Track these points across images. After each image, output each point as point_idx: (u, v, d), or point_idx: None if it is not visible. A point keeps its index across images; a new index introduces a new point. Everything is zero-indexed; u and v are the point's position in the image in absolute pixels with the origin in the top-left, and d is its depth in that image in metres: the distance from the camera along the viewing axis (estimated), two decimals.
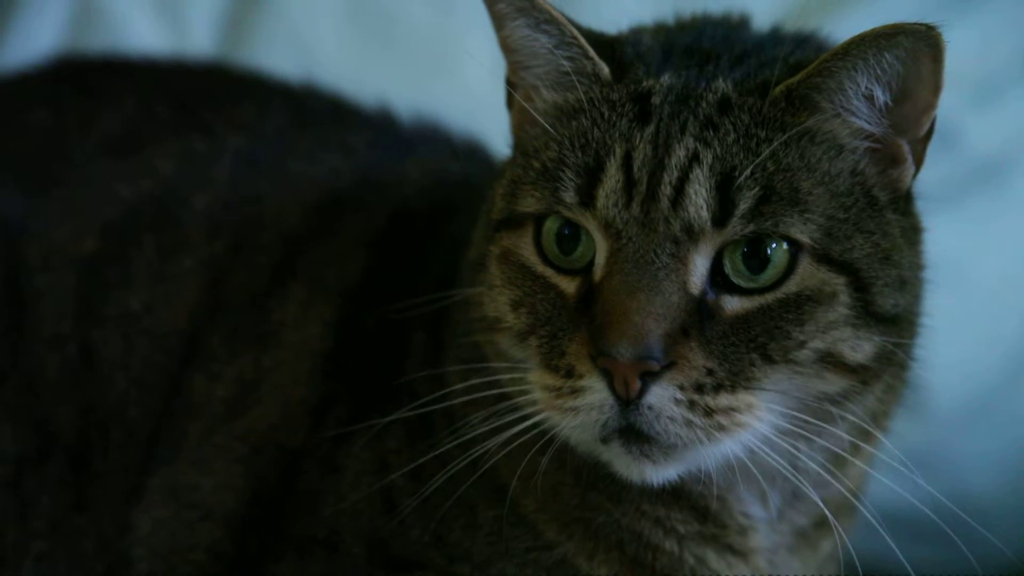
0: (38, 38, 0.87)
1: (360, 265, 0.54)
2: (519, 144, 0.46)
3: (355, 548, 0.49)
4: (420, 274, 0.52)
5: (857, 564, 0.48)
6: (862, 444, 0.46)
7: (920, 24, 0.39)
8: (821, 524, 0.48)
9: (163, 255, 0.55)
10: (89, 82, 0.65)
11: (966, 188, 0.82)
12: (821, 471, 0.44)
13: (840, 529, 0.47)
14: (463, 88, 0.70)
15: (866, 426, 0.44)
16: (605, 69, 0.43)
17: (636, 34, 0.47)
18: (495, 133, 0.51)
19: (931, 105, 0.41)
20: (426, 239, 0.54)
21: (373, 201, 0.57)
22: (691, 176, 0.39)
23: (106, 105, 0.62)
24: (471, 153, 0.61)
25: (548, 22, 0.43)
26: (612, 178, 0.40)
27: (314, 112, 0.64)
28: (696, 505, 0.46)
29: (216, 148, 0.59)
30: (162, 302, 0.54)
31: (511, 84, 0.46)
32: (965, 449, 0.78)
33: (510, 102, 0.46)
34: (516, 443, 0.42)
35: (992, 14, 0.91)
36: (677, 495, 0.45)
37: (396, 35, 0.87)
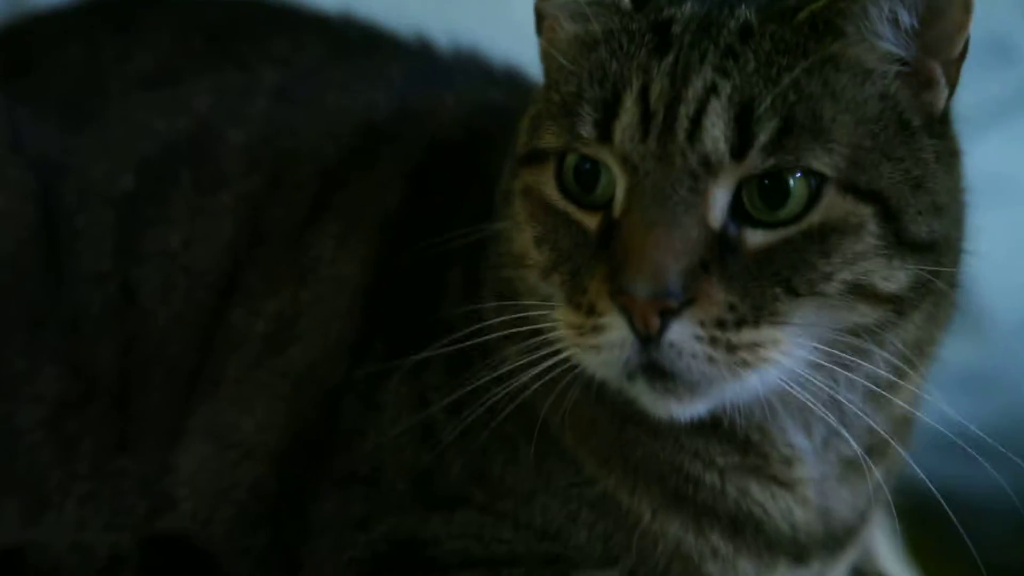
0: None
1: (397, 198, 0.54)
2: (546, 76, 0.46)
3: (397, 484, 0.49)
4: (457, 207, 0.52)
5: (928, 482, 0.46)
6: (907, 373, 0.45)
7: None
8: (871, 451, 0.47)
9: (200, 191, 0.55)
10: (124, 17, 0.64)
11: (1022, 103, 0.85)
12: (860, 405, 0.44)
13: (877, 464, 0.47)
14: (509, 21, 0.66)
15: (909, 355, 0.44)
16: (627, 1, 0.43)
17: None
18: (539, 66, 0.49)
19: (962, 25, 0.41)
20: (464, 170, 0.54)
21: (410, 132, 0.56)
22: (708, 108, 0.39)
23: (141, 40, 0.62)
24: (511, 81, 0.60)
25: None
26: (629, 112, 0.40)
27: (350, 43, 0.63)
28: (735, 437, 0.45)
29: (252, 82, 0.59)
30: (201, 238, 0.55)
31: (538, 11, 0.46)
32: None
33: (539, 28, 0.46)
34: (549, 376, 0.42)
35: None
36: (715, 427, 0.45)
37: None
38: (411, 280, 0.52)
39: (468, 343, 0.45)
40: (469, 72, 0.62)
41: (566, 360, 0.41)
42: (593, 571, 0.48)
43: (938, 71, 0.42)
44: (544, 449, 0.47)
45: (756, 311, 0.39)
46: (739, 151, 0.38)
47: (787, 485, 0.47)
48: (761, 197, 0.39)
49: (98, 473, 0.54)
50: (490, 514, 0.49)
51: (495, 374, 0.43)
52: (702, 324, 0.37)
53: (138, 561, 0.53)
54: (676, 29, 0.41)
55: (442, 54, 0.63)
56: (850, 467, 0.48)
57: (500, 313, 0.44)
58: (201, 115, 0.57)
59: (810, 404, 0.41)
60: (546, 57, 0.46)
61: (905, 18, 0.41)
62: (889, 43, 0.42)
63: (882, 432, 0.45)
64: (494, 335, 0.44)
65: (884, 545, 0.58)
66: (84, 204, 0.56)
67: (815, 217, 0.39)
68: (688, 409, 0.41)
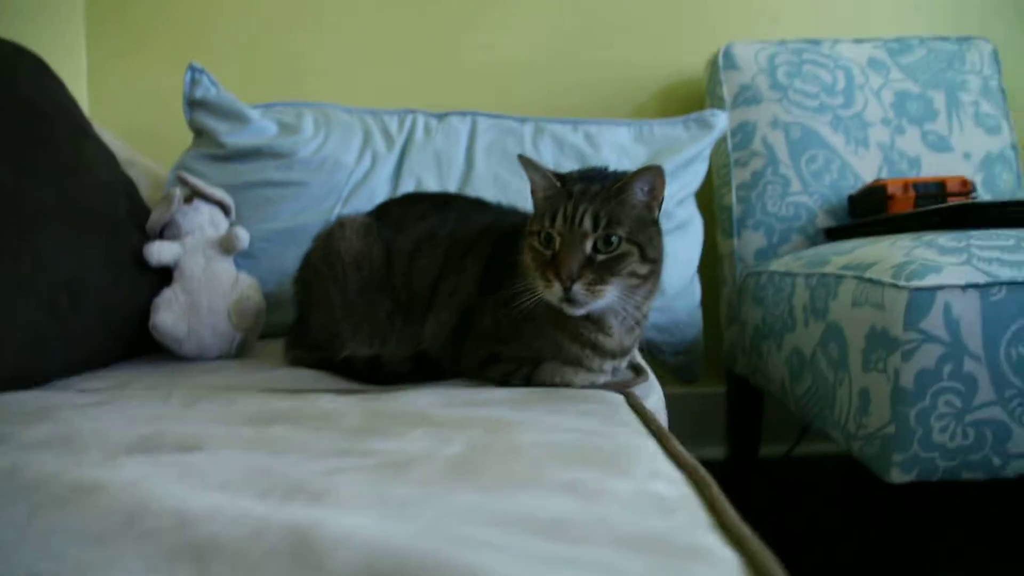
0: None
1: (490, 250, 1.06)
2: (535, 209, 0.96)
3: (488, 336, 1.01)
4: (505, 252, 1.00)
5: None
6: (646, 302, 0.97)
7: (654, 165, 0.88)
8: (634, 326, 0.99)
9: (432, 249, 1.10)
10: (414, 199, 1.30)
11: None
12: (635, 310, 0.95)
13: (635, 329, 1.01)
14: None
15: (646, 296, 0.96)
16: (558, 184, 0.92)
17: (575, 171, 0.96)
18: None
19: (662, 189, 0.92)
20: (509, 243, 1.01)
21: (492, 231, 1.09)
22: (584, 216, 0.87)
23: (418, 205, 1.21)
24: (520, 212, 1.16)
25: (537, 170, 0.94)
26: (559, 217, 0.88)
27: (476, 204, 1.22)
28: (594, 320, 0.95)
29: (448, 217, 1.14)
30: (431, 261, 1.09)
31: (532, 192, 0.96)
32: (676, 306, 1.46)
33: (532, 196, 0.97)
34: (533, 302, 0.90)
35: None
36: (587, 317, 0.94)
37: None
38: (493, 276, 1.02)
39: (511, 292, 0.92)
40: (513, 212, 1.18)
41: (539, 296, 0.89)
42: (549, 360, 0.99)
43: (655, 203, 0.93)
44: (534, 325, 0.96)
45: (600, 281, 0.87)
46: (593, 229, 0.86)
47: (609, 335, 0.97)
48: (602, 243, 0.87)
49: (402, 330, 1.10)
50: (517, 343, 0.98)
51: (519, 303, 0.90)
52: (584, 284, 0.86)
53: (412, 360, 1.05)
54: (575, 190, 0.89)
55: (503, 207, 1.20)
56: (630, 329, 0.99)
57: (520, 282, 0.92)
58: (432, 226, 1.13)
59: (617, 309, 0.91)
60: (536, 202, 0.95)
61: (645, 188, 0.91)
62: (641, 195, 0.91)
63: (640, 318, 0.98)
64: (519, 288, 0.91)
65: (636, 355, 1.14)
66: (398, 252, 1.13)
67: (619, 250, 0.88)
68: (579, 311, 0.90)
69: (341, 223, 1.21)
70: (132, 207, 1.36)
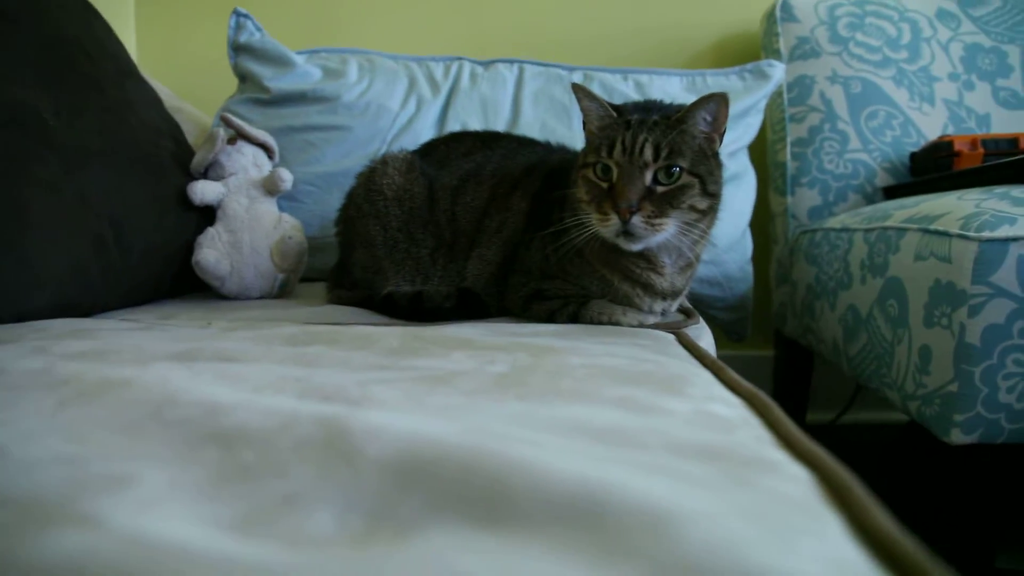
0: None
1: (538, 185, 1.04)
2: (588, 142, 0.94)
3: (535, 273, 1.00)
4: (559, 187, 0.98)
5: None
6: (702, 240, 0.94)
7: (719, 92, 0.86)
8: (687, 267, 0.97)
9: (477, 186, 1.09)
10: (459, 136, 1.25)
11: None
12: (689, 248, 0.92)
13: (688, 270, 0.99)
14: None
15: (703, 233, 0.92)
16: (615, 114, 0.90)
17: (625, 104, 0.94)
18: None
19: (725, 121, 0.90)
20: (558, 178, 1.00)
21: (542, 167, 1.07)
22: (645, 145, 0.85)
23: (464, 142, 1.20)
24: (572, 152, 1.13)
25: (593, 99, 0.91)
26: (617, 147, 0.86)
27: (524, 140, 1.20)
28: (647, 258, 0.93)
29: (495, 153, 1.13)
30: (476, 197, 1.08)
31: (584, 124, 0.94)
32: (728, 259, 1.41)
33: (585, 129, 0.95)
34: (585, 236, 0.88)
35: None
36: (640, 255, 0.92)
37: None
38: (542, 210, 1.00)
39: (561, 226, 0.91)
40: (560, 149, 1.17)
41: (592, 231, 0.87)
42: (597, 298, 0.96)
43: (716, 135, 0.90)
44: (582, 262, 0.94)
45: (661, 213, 0.85)
46: (654, 159, 0.84)
47: (661, 274, 0.95)
48: (663, 174, 0.85)
49: (445, 267, 1.09)
50: (564, 281, 0.97)
51: (569, 238, 0.89)
52: (643, 216, 0.84)
53: (456, 297, 1.02)
54: (633, 120, 0.87)
55: (551, 144, 1.19)
56: (683, 269, 0.97)
57: (571, 217, 0.91)
58: (478, 163, 1.12)
59: (673, 246, 0.90)
60: (589, 134, 0.93)
61: (708, 117, 0.88)
62: (704, 125, 0.89)
63: (693, 259, 0.96)
64: (568, 224, 0.90)
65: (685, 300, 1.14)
66: (441, 189, 1.11)
67: (680, 182, 0.86)
68: (636, 246, 0.88)
69: (384, 160, 1.20)
70: (177, 149, 1.36)
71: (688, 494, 0.30)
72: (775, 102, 2.00)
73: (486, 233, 1.07)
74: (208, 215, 1.32)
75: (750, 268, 1.70)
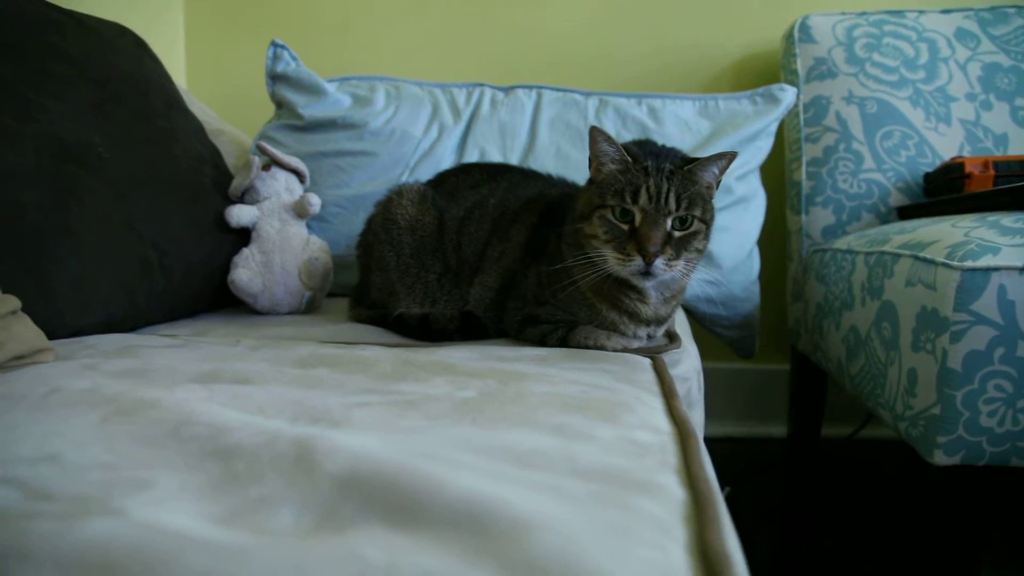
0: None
1: (535, 219, 1.12)
2: (596, 180, 0.98)
3: (529, 300, 1.06)
4: (552, 223, 1.06)
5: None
6: (688, 275, 1.01)
7: (730, 151, 0.95)
8: (671, 298, 1.04)
9: (481, 217, 1.17)
10: (469, 168, 1.32)
11: None
12: (678, 282, 1.01)
13: (673, 300, 1.06)
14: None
15: (692, 271, 1.00)
16: (630, 158, 0.94)
17: (630, 144, 0.98)
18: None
19: (721, 176, 0.98)
20: (555, 212, 1.08)
21: (540, 201, 1.15)
22: (669, 195, 0.92)
23: (472, 174, 1.28)
24: (571, 184, 1.22)
25: (611, 143, 0.95)
26: (643, 195, 0.92)
27: (526, 173, 1.27)
28: (637, 290, 1.00)
29: (498, 186, 1.21)
30: (479, 228, 1.17)
31: (591, 162, 0.99)
32: (732, 280, 1.46)
33: (591, 169, 1.00)
34: (591, 275, 0.95)
35: None
36: (630, 287, 0.99)
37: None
38: (538, 243, 1.08)
39: (559, 266, 0.99)
40: (560, 183, 1.24)
41: (602, 270, 0.94)
42: (584, 324, 1.02)
43: (716, 185, 0.98)
44: (575, 290, 0.99)
45: (677, 256, 0.93)
46: (676, 209, 0.91)
47: (647, 304, 1.01)
48: (680, 222, 0.93)
49: (450, 292, 1.18)
50: (556, 307, 1.03)
51: (582, 275, 0.96)
52: (664, 259, 0.92)
53: (459, 319, 1.11)
54: (649, 168, 0.93)
55: (552, 177, 1.26)
56: (667, 300, 1.03)
57: (571, 254, 0.98)
58: (483, 195, 1.20)
59: (670, 280, 0.97)
60: (598, 172, 0.97)
61: (717, 171, 0.97)
62: (711, 178, 0.97)
63: (678, 290, 1.04)
64: (569, 262, 0.97)
65: (677, 323, 1.20)
66: (450, 219, 1.20)
67: (692, 228, 0.94)
68: (651, 284, 0.97)
69: (399, 191, 1.30)
70: (217, 174, 1.49)
71: (558, 510, 0.40)
72: (792, 122, 2.06)
73: (488, 261, 1.15)
74: (244, 236, 1.44)
75: (756, 288, 1.77)
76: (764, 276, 2.05)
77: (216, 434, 0.49)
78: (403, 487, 0.40)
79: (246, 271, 1.32)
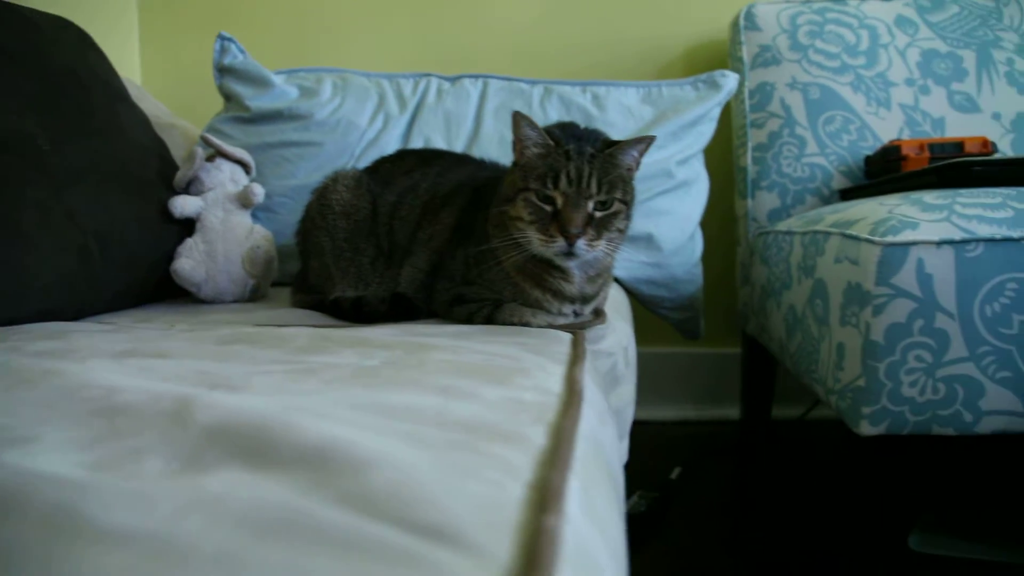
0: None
1: (465, 202, 1.14)
2: (520, 164, 1.00)
3: (456, 280, 1.09)
4: (480, 206, 1.09)
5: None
6: (613, 254, 1.03)
7: (649, 136, 1.00)
8: (597, 276, 1.06)
9: (413, 201, 1.19)
10: (404, 155, 1.36)
11: None
12: (602, 261, 1.04)
13: (599, 279, 1.08)
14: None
15: (616, 250, 1.02)
16: (552, 142, 0.97)
17: (552, 127, 1.00)
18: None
19: (640, 159, 1.02)
20: (484, 195, 1.10)
21: (469, 185, 1.17)
22: (591, 179, 0.95)
23: (406, 160, 1.30)
24: (500, 167, 1.22)
25: (534, 127, 0.97)
26: (563, 179, 0.95)
27: (459, 158, 1.31)
28: (560, 269, 1.02)
29: (430, 172, 1.23)
30: (410, 212, 1.18)
31: (515, 146, 1.01)
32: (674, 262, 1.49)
33: (515, 152, 1.02)
34: (515, 255, 0.98)
35: None
36: (554, 267, 1.02)
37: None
38: (467, 225, 1.11)
39: (486, 247, 1.03)
40: (490, 166, 1.27)
41: (526, 251, 0.97)
42: (509, 302, 1.05)
43: (636, 167, 1.01)
44: (500, 270, 1.02)
45: (598, 236, 0.96)
46: (597, 192, 0.95)
47: (571, 282, 1.03)
48: (601, 204, 0.96)
49: (383, 275, 1.19)
50: (482, 287, 1.05)
51: (506, 255, 1.00)
52: (586, 240, 0.95)
53: (390, 301, 1.12)
54: (571, 151, 0.96)
55: (484, 161, 1.30)
56: (592, 278, 1.05)
57: (497, 235, 1.00)
58: (415, 180, 1.21)
59: (594, 259, 1.00)
60: (522, 155, 0.99)
61: (637, 154, 1.00)
62: (631, 160, 1.00)
63: (603, 269, 1.06)
64: (495, 243, 1.00)
65: (612, 304, 1.23)
66: (383, 204, 1.23)
67: (613, 209, 0.97)
68: (573, 263, 1.01)
69: (335, 177, 1.33)
70: (163, 167, 1.51)
71: (407, 452, 0.43)
72: (738, 109, 2.10)
73: (418, 244, 1.18)
74: (191, 227, 1.46)
75: (698, 270, 1.81)
76: (717, 261, 2.09)
77: (108, 394, 0.52)
78: (266, 434, 0.42)
79: (189, 260, 1.35)
